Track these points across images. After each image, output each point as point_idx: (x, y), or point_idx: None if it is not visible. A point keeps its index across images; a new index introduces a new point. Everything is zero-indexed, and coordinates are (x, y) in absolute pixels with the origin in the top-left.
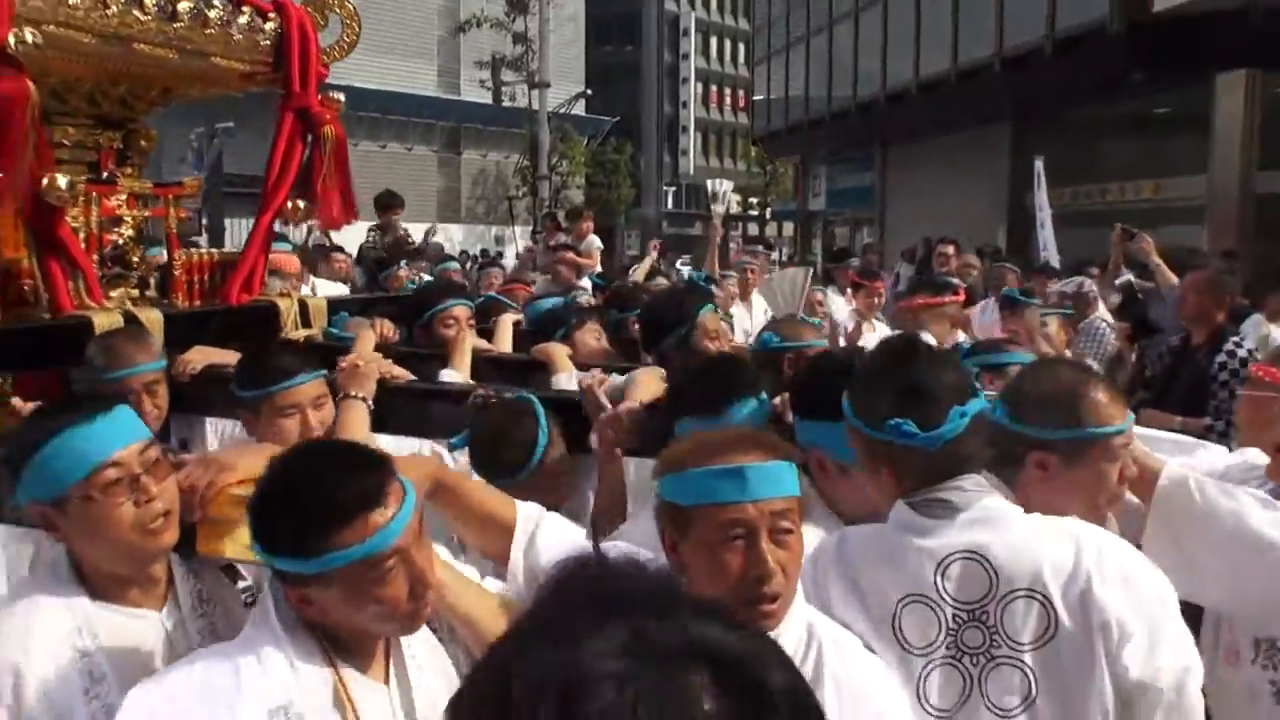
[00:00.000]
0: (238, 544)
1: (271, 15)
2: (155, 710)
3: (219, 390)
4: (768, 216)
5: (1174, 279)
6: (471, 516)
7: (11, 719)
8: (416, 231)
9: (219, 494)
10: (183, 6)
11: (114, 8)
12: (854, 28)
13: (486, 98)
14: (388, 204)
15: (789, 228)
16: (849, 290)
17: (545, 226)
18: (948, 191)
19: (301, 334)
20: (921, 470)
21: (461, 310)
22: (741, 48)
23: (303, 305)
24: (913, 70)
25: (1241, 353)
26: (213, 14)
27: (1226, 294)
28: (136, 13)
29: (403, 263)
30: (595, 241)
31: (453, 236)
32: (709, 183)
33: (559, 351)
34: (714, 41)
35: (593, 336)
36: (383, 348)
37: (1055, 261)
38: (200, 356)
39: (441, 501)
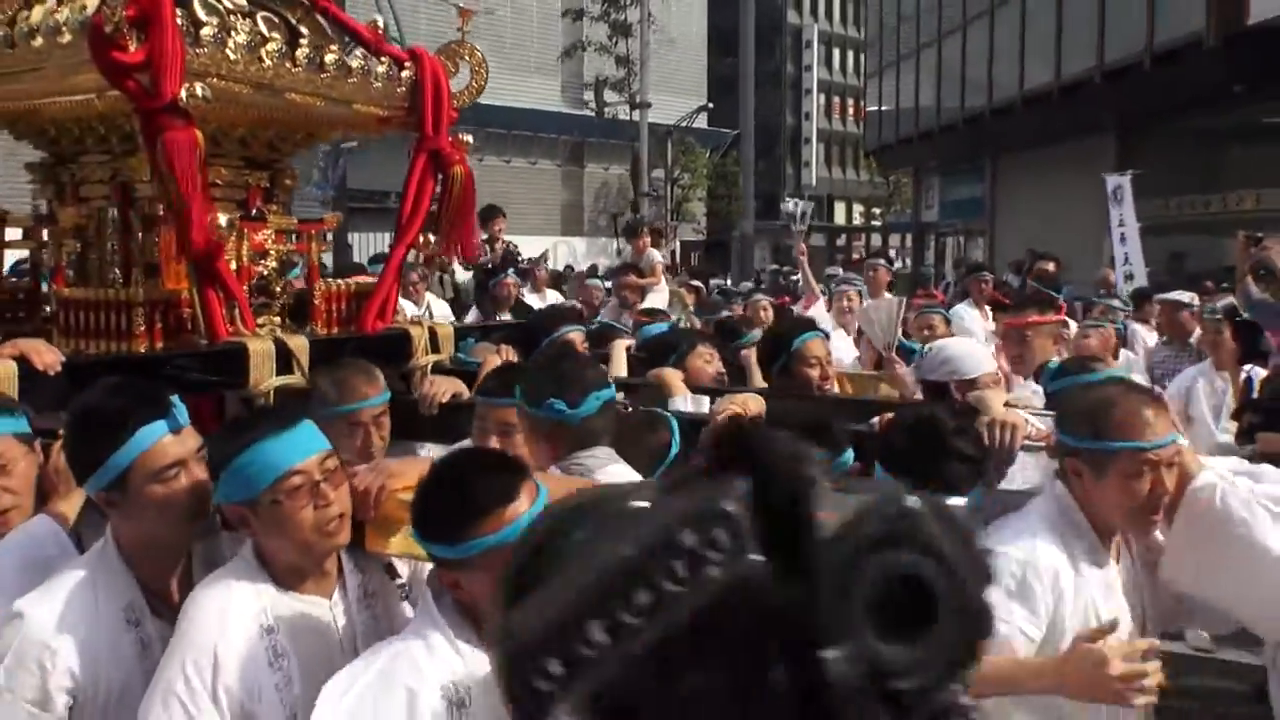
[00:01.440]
0: (401, 542)
1: (407, 64)
2: (348, 702)
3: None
4: (877, 227)
5: None
6: None
7: (209, 690)
8: (539, 244)
9: (387, 497)
10: (329, 58)
11: (269, 61)
12: (961, 41)
13: (620, 106)
14: (488, 217)
15: (907, 239)
16: (985, 308)
17: (638, 235)
18: (1055, 203)
19: (431, 359)
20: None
21: (576, 335)
22: (863, 58)
23: (432, 332)
24: (1018, 83)
25: None
26: (355, 64)
27: None
28: (288, 65)
29: (510, 271)
30: (655, 256)
31: (576, 249)
32: (784, 203)
33: (674, 376)
34: (836, 52)
35: (703, 361)
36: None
37: (1142, 275)
38: (448, 386)
39: None
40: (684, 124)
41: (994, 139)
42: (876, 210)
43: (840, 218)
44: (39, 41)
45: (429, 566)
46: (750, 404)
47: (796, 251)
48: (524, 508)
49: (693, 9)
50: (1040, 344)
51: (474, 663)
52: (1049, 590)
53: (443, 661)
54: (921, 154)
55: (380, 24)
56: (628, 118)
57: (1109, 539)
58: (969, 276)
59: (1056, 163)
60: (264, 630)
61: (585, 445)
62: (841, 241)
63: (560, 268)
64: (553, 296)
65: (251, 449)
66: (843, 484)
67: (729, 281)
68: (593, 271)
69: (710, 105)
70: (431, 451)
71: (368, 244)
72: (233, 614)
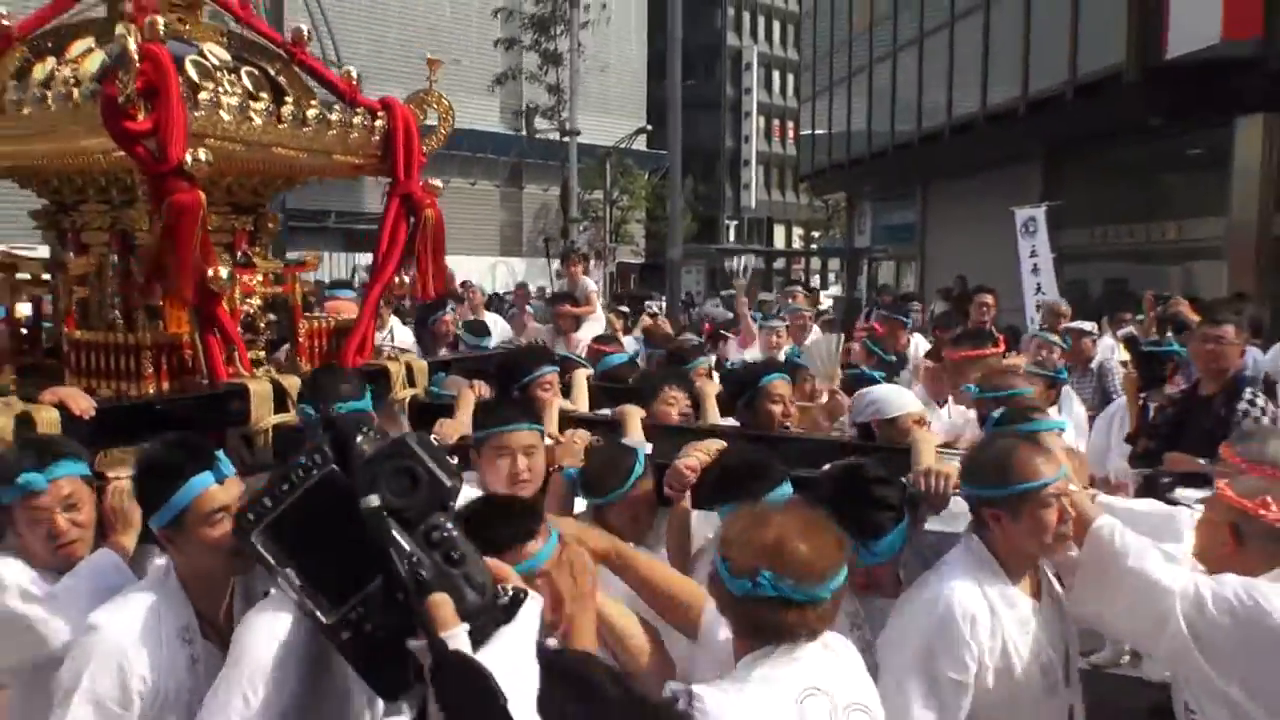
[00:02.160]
0: None
1: (380, 113)
2: None
3: None
4: (812, 251)
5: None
6: (646, 585)
7: (266, 705)
8: (479, 264)
9: None
10: (311, 113)
11: (258, 120)
12: (892, 68)
13: (550, 134)
14: None
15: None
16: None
17: (569, 263)
18: (984, 230)
19: (408, 393)
20: None
21: (553, 376)
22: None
23: (408, 367)
24: (946, 111)
25: (1260, 402)
26: (334, 117)
27: (1241, 347)
28: (275, 122)
29: (449, 307)
30: (589, 284)
31: (515, 269)
32: (727, 261)
33: (634, 416)
34: (776, 75)
35: (667, 404)
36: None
37: (1055, 300)
38: (454, 430)
39: (617, 568)
40: (622, 145)
41: (924, 165)
42: (816, 234)
43: (780, 240)
44: (53, 107)
45: None
46: (713, 448)
47: (738, 304)
48: (539, 546)
49: (632, 32)
50: (976, 376)
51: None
52: (968, 636)
53: None
54: (854, 179)
55: (306, 31)
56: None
57: (1023, 577)
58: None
59: (985, 190)
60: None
61: None
62: (780, 265)
63: (500, 289)
64: (491, 319)
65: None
66: (370, 438)
67: (664, 305)
68: (526, 296)
69: (649, 128)
70: None
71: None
72: (280, 638)
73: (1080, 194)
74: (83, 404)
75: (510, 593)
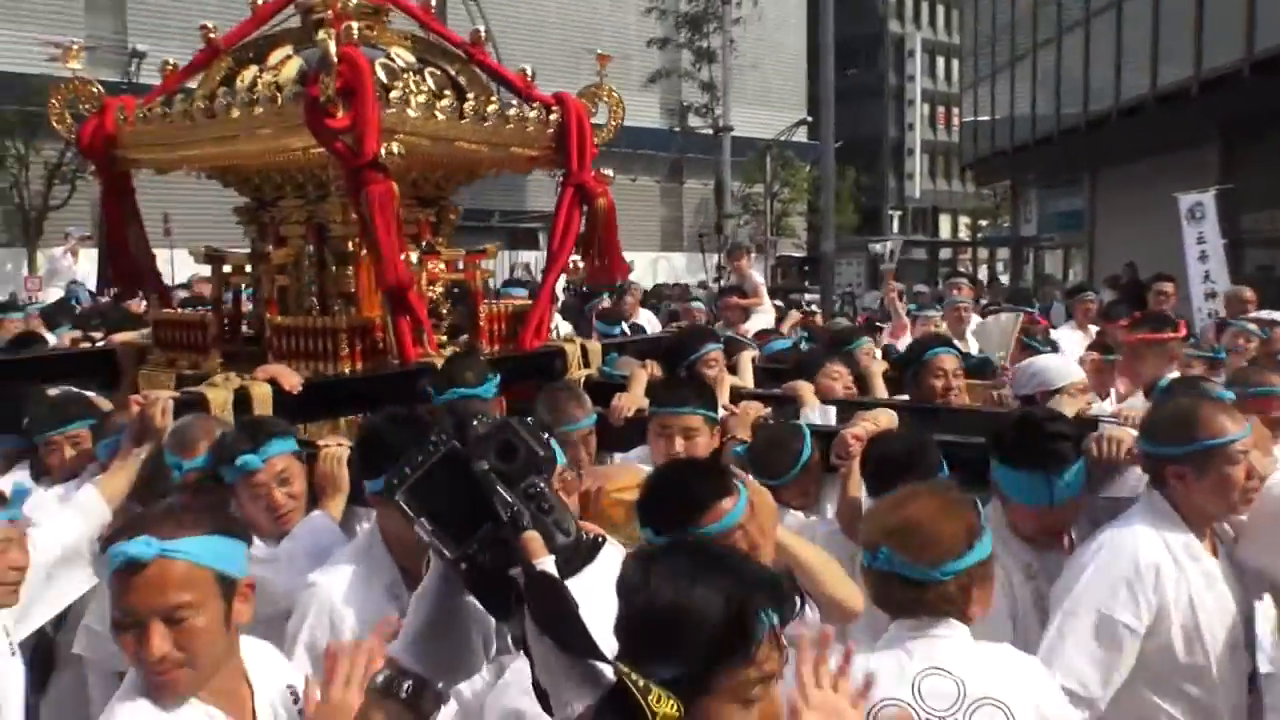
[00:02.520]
0: (619, 536)
1: (554, 108)
2: None
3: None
4: (976, 241)
5: None
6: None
7: None
8: (640, 260)
9: (603, 496)
10: (490, 109)
11: (442, 116)
12: (1057, 52)
13: (705, 130)
14: None
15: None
16: (1089, 329)
17: (734, 257)
18: (1154, 216)
19: (583, 374)
20: None
21: (718, 353)
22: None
23: (583, 349)
24: (1113, 93)
25: None
26: (511, 112)
27: None
28: (457, 118)
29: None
30: (757, 277)
31: (675, 265)
32: (872, 245)
33: (806, 389)
34: (940, 61)
35: (830, 379)
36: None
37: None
38: (630, 402)
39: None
40: (782, 138)
41: (1092, 151)
42: (983, 222)
43: (945, 230)
44: (259, 110)
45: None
46: (881, 419)
47: (886, 290)
48: (730, 505)
49: (792, 23)
50: (1155, 362)
51: None
52: (1150, 588)
53: None
54: (1018, 166)
55: (482, 32)
56: (742, 130)
57: (1205, 535)
58: (1073, 298)
59: (1157, 175)
60: None
61: None
62: (946, 255)
63: (663, 282)
64: (645, 316)
65: None
66: (483, 420)
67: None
68: (685, 294)
69: (809, 119)
70: (616, 459)
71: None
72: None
73: (1260, 177)
74: (292, 380)
75: (593, 538)
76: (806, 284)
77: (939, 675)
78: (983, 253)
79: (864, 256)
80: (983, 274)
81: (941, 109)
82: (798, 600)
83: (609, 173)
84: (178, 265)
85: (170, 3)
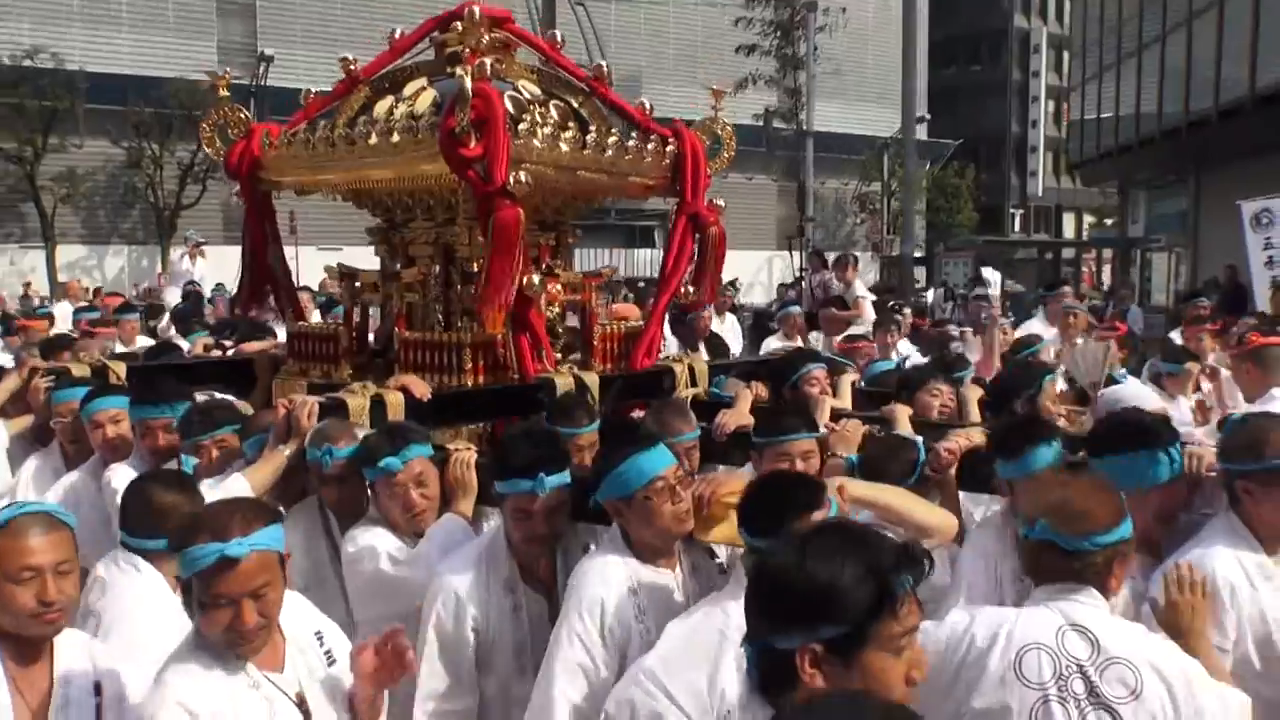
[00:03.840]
0: (721, 533)
1: (671, 139)
2: (678, 631)
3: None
4: (1084, 241)
5: None
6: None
7: (599, 630)
8: (755, 259)
9: (714, 500)
10: (611, 139)
11: (566, 146)
12: (1160, 53)
13: (829, 125)
14: None
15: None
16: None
17: (810, 264)
18: None
19: (690, 393)
20: None
21: (821, 372)
22: None
23: (691, 369)
24: (1213, 94)
25: None
26: (630, 143)
27: None
28: (579, 148)
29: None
30: (860, 289)
31: (792, 263)
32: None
33: (903, 412)
34: (1066, 57)
35: (931, 395)
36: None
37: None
38: (734, 419)
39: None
40: (898, 135)
41: (1195, 151)
42: (1108, 221)
43: (1069, 230)
44: (396, 138)
45: (741, 551)
46: (974, 436)
47: (991, 326)
48: (821, 514)
49: (893, 23)
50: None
51: None
52: (1227, 605)
53: (735, 625)
54: (1127, 166)
55: (605, 67)
56: (844, 131)
57: (1276, 551)
58: (1186, 303)
59: (1260, 177)
60: (630, 591)
61: None
62: (1070, 255)
63: (779, 280)
64: (729, 321)
65: (629, 460)
66: None
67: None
68: (786, 299)
69: (928, 117)
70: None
71: (584, 259)
72: (610, 578)
73: None
74: (422, 389)
75: None
76: (918, 286)
77: (1078, 632)
78: (1107, 253)
79: (971, 256)
80: (1105, 276)
81: (1066, 105)
82: (926, 564)
83: (721, 203)
84: (303, 262)
85: (299, 7)
